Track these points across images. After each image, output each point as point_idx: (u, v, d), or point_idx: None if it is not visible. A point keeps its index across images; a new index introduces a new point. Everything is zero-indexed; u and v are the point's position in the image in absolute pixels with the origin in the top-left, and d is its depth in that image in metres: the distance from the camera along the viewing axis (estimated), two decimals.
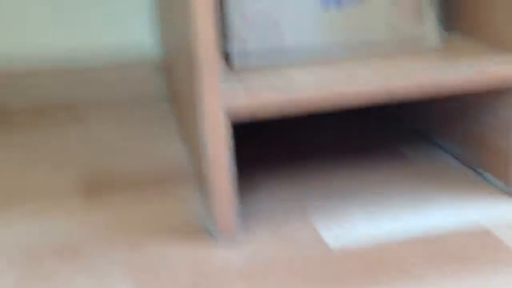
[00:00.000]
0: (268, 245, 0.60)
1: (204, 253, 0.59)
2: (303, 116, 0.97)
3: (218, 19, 0.72)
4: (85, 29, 1.10)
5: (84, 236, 0.62)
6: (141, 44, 1.13)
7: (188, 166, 0.78)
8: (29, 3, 1.07)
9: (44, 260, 0.58)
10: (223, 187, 0.59)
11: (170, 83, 0.99)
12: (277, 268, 0.56)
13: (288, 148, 0.86)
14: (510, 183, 0.65)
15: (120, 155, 0.85)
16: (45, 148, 0.89)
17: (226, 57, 0.68)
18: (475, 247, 0.56)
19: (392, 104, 0.95)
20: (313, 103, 0.59)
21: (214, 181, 0.59)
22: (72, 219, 0.66)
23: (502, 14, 0.66)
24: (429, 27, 0.72)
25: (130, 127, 0.95)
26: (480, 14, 0.70)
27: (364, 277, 0.54)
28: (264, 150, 0.87)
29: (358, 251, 0.58)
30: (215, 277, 0.55)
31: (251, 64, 0.67)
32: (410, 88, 0.61)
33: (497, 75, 0.62)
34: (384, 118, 0.99)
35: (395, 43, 0.71)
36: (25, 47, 1.09)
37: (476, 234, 0.59)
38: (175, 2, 0.69)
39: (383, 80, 0.61)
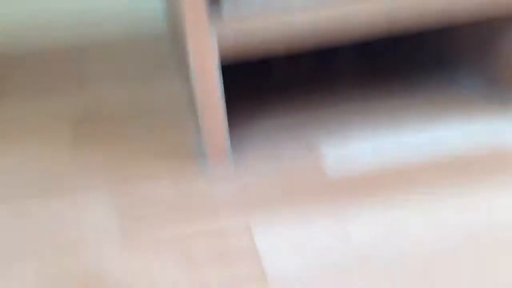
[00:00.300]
0: (261, 166, 0.59)
1: (192, 179, 0.58)
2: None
3: None
4: None
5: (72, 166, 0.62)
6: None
7: (185, 100, 0.77)
8: None
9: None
10: (214, 115, 0.58)
11: (175, 35, 0.95)
12: (264, 185, 0.56)
13: (293, 81, 0.84)
14: None
15: (117, 91, 0.83)
16: (41, 82, 0.87)
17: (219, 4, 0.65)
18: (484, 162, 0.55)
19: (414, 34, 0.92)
20: (307, 27, 0.56)
21: (205, 110, 0.58)
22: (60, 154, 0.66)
23: None
24: None
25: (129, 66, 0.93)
26: None
27: (356, 195, 0.53)
28: (271, 84, 0.85)
29: (355, 169, 0.58)
30: (200, 199, 0.55)
31: (242, 11, 0.64)
32: (415, 11, 0.58)
33: None
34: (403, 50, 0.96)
35: None
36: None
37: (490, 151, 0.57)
38: None
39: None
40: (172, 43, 0.99)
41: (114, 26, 1.06)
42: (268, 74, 0.89)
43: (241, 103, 0.80)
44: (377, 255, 0.46)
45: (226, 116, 0.60)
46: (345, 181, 0.55)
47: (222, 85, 0.58)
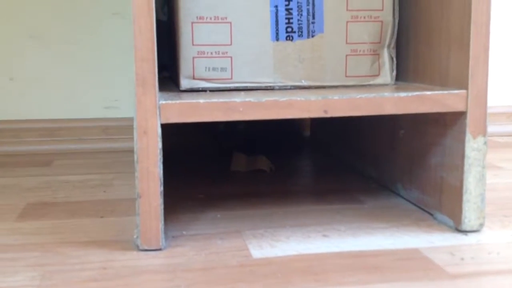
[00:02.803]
0: (190, 253, 0.61)
1: (121, 257, 0.60)
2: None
3: (172, 45, 0.74)
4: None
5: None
6: None
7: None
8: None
9: None
10: (151, 199, 0.61)
11: None
12: (192, 269, 0.56)
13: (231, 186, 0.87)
14: (460, 221, 0.67)
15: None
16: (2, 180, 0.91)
17: (177, 79, 0.71)
18: (404, 264, 0.57)
19: (349, 155, 0.98)
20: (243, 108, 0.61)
21: (142, 191, 0.60)
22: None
23: (438, 55, 0.70)
24: (384, 71, 0.75)
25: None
26: (420, 62, 0.74)
27: (277, 280, 0.54)
28: (222, 186, 0.89)
29: (280, 259, 0.59)
30: (124, 272, 0.56)
31: (196, 87, 0.69)
32: (343, 104, 0.63)
33: (435, 98, 0.65)
34: (345, 170, 1.02)
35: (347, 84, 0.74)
36: None
37: (407, 254, 0.60)
38: None
39: (319, 96, 0.63)
40: None
41: None
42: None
43: (180, 192, 0.83)
44: None
45: (162, 202, 0.62)
46: (267, 265, 0.57)
47: (162, 168, 0.61)
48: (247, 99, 0.61)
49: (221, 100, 0.61)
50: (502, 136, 1.30)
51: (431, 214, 0.73)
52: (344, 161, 1.01)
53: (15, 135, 1.16)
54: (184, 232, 0.68)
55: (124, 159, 1.08)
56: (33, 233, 0.68)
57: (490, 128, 1.25)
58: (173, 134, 1.12)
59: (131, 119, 1.12)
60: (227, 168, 0.99)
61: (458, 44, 0.66)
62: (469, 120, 0.65)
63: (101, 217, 0.73)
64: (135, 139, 0.60)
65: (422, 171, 0.75)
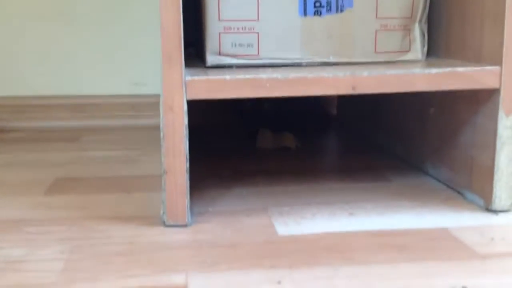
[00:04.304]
0: (216, 229, 0.61)
1: (147, 233, 0.61)
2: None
3: (198, 21, 0.74)
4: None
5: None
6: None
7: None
8: None
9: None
10: (177, 175, 0.61)
11: None
12: (217, 245, 0.57)
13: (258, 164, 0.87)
14: (491, 200, 0.65)
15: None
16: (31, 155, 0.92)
17: (203, 55, 0.70)
18: (432, 244, 0.56)
19: (377, 134, 0.96)
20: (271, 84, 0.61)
21: (168, 167, 0.61)
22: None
23: (471, 30, 0.68)
24: (415, 47, 0.73)
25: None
26: (453, 38, 0.72)
27: (303, 257, 0.54)
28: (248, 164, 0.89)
29: (305, 237, 0.59)
30: (150, 247, 0.57)
31: (223, 63, 0.69)
32: (372, 81, 0.62)
33: (467, 75, 0.63)
34: (373, 149, 1.00)
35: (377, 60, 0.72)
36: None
37: (435, 234, 0.59)
38: None
39: (347, 73, 0.62)
40: None
41: None
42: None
43: (205, 169, 0.84)
44: None
45: (188, 178, 0.62)
46: (292, 242, 0.57)
47: (188, 146, 0.61)
48: (273, 76, 0.61)
49: (247, 76, 0.60)
50: None
51: (461, 193, 0.71)
52: (371, 140, 1.00)
53: (45, 110, 1.17)
54: (210, 209, 0.68)
55: (151, 136, 1.08)
56: (61, 208, 0.69)
57: None
58: (199, 111, 1.12)
59: (158, 96, 1.12)
60: (253, 145, 0.99)
61: (492, 19, 0.64)
62: (503, 97, 0.63)
63: (128, 192, 0.74)
64: (161, 115, 0.60)
65: (452, 150, 0.73)
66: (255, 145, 0.98)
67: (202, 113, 1.16)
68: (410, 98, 0.84)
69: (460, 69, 0.63)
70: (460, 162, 0.71)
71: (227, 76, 0.60)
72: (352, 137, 1.05)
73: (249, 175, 0.81)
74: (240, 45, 0.68)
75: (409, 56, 0.72)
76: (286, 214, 0.66)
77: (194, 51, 0.89)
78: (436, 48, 0.77)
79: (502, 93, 0.63)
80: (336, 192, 0.73)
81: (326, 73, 0.61)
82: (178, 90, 0.60)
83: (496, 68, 0.63)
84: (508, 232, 0.60)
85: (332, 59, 0.70)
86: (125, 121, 1.19)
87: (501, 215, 0.65)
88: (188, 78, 0.60)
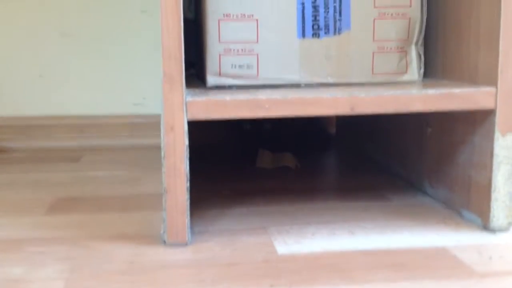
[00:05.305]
0: (216, 248, 0.61)
1: (148, 252, 0.61)
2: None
3: (198, 43, 0.75)
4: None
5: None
6: None
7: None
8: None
9: None
10: (178, 194, 0.61)
11: None
12: (217, 265, 0.57)
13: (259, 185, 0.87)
14: (488, 220, 0.66)
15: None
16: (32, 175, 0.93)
17: (203, 76, 0.71)
18: (431, 263, 0.56)
19: (376, 153, 0.97)
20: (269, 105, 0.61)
21: (169, 186, 0.61)
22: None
23: (467, 51, 0.69)
24: (412, 68, 0.74)
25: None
26: (448, 59, 0.73)
27: (303, 276, 0.54)
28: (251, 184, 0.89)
29: (305, 256, 0.59)
30: (150, 266, 0.57)
31: (223, 84, 0.70)
32: (370, 101, 0.63)
33: (463, 96, 0.64)
34: (372, 168, 1.01)
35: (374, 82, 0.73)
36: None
37: (434, 253, 0.59)
38: None
39: (345, 93, 0.62)
40: None
41: None
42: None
43: (205, 188, 0.84)
44: None
45: (189, 197, 0.63)
46: (292, 261, 0.57)
47: (188, 165, 0.62)
48: (273, 96, 0.62)
49: (247, 97, 0.61)
50: None
51: (459, 213, 0.72)
52: (370, 159, 1.00)
53: (45, 131, 1.18)
54: (210, 228, 0.68)
55: (151, 156, 1.09)
56: (61, 227, 0.69)
57: None
58: (199, 130, 1.13)
59: (159, 116, 1.13)
60: (253, 164, 0.99)
61: (487, 40, 0.65)
62: (498, 117, 0.64)
63: (129, 212, 0.74)
64: (162, 135, 0.61)
65: (449, 169, 0.74)
66: (255, 165, 0.98)
67: (202, 133, 1.17)
68: (408, 118, 0.84)
69: (456, 90, 0.64)
70: (458, 182, 0.72)
71: (227, 97, 0.61)
72: (351, 156, 1.06)
73: (249, 194, 0.82)
74: (240, 66, 0.69)
75: (406, 77, 0.73)
76: (286, 233, 0.66)
77: (195, 71, 0.90)
78: (433, 69, 0.78)
79: (498, 113, 0.64)
80: (335, 212, 0.74)
81: (325, 94, 0.62)
82: (179, 110, 0.60)
83: (492, 89, 0.64)
84: (506, 251, 0.61)
85: (330, 80, 0.71)
86: (126, 141, 1.20)
87: (498, 234, 0.65)
88: (189, 98, 0.61)
